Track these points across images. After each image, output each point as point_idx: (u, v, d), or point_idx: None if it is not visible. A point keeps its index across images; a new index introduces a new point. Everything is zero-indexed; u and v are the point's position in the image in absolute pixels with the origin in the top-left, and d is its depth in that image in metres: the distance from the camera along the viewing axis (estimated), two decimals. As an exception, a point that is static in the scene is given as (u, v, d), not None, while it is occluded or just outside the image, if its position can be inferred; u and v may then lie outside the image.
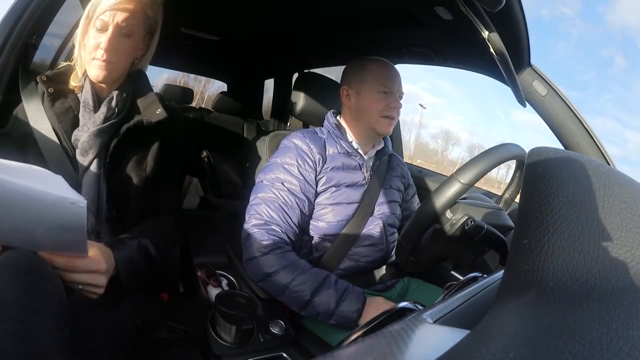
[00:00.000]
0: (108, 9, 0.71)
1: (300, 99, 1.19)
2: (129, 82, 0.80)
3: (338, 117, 1.07)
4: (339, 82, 1.11)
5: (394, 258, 1.04)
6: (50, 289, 0.50)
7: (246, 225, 0.91)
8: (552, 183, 0.29)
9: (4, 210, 0.47)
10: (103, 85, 0.77)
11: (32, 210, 0.48)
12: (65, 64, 0.80)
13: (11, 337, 0.43)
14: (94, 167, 0.74)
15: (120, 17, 0.72)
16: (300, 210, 0.92)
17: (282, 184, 0.93)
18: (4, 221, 0.48)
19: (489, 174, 0.74)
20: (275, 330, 0.85)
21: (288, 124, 2.38)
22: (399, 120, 1.67)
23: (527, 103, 0.97)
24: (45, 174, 0.55)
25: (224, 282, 1.01)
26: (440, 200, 0.69)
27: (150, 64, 0.87)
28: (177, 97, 2.69)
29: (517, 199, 0.87)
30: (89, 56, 0.73)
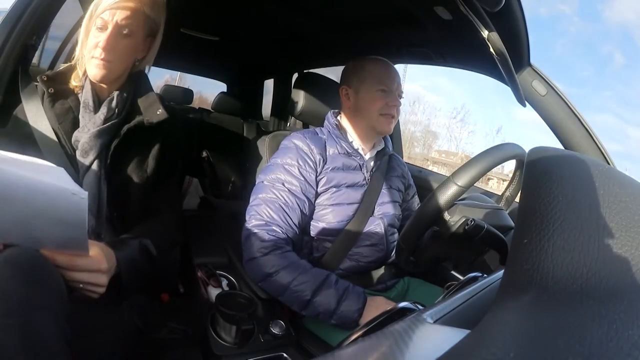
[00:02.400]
0: (108, 8, 0.71)
1: (300, 99, 1.19)
2: (130, 83, 0.80)
3: (338, 117, 1.07)
4: (339, 82, 1.11)
5: (394, 258, 1.04)
6: (52, 285, 0.50)
7: (246, 226, 0.91)
8: (552, 183, 0.29)
9: (6, 202, 0.47)
10: (103, 86, 0.77)
11: (34, 201, 0.48)
12: (66, 65, 0.80)
13: (12, 331, 0.43)
14: (94, 168, 0.74)
15: (120, 16, 0.72)
16: (301, 211, 0.92)
17: (283, 184, 0.93)
18: (5, 215, 0.48)
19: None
20: (275, 330, 0.85)
21: (288, 124, 2.38)
22: (399, 121, 1.68)
23: (526, 103, 0.97)
24: (47, 166, 0.55)
25: (224, 282, 1.01)
26: (437, 203, 0.68)
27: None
28: (177, 98, 2.69)
29: (517, 199, 0.87)
30: (89, 55, 0.73)
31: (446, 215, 0.71)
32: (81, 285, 0.57)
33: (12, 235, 0.51)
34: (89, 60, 0.73)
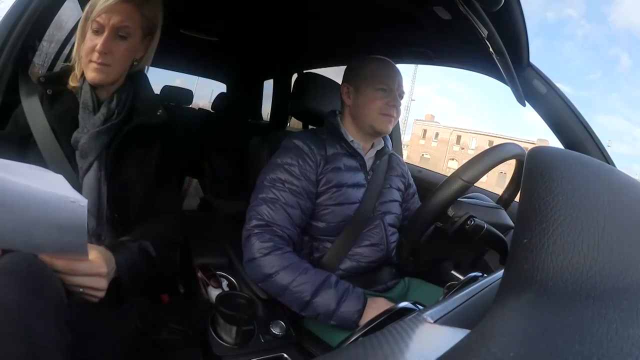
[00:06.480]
0: (103, 11, 0.70)
1: (299, 99, 1.19)
2: (129, 83, 0.80)
3: (338, 117, 1.07)
4: (338, 82, 1.11)
5: (394, 258, 1.03)
6: (51, 292, 0.50)
7: (247, 226, 0.91)
8: (552, 182, 0.29)
9: (4, 210, 0.47)
10: (102, 87, 0.76)
11: (33, 209, 0.48)
12: (64, 64, 0.80)
13: (12, 340, 0.43)
14: (94, 169, 0.74)
15: (116, 19, 0.71)
16: (301, 211, 0.92)
17: (283, 184, 0.93)
18: (4, 222, 0.48)
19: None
20: (275, 330, 0.85)
21: (288, 124, 2.38)
22: (398, 120, 1.68)
23: (526, 102, 0.97)
24: (46, 174, 0.55)
25: (224, 283, 1.01)
26: (443, 197, 0.69)
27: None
28: (176, 98, 2.69)
29: (517, 199, 0.87)
30: (86, 59, 0.72)
31: (450, 211, 0.72)
32: (81, 290, 0.57)
33: (11, 242, 0.51)
34: (87, 64, 0.72)
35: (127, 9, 0.72)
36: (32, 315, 0.45)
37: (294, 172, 0.94)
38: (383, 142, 1.08)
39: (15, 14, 0.74)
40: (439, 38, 1.07)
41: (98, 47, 0.70)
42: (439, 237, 0.75)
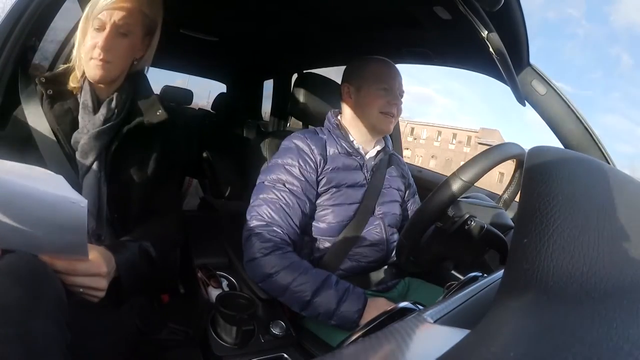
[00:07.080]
0: (105, 8, 0.71)
1: (299, 99, 1.19)
2: (129, 84, 0.80)
3: (339, 117, 1.07)
4: (338, 82, 1.11)
5: (394, 258, 1.03)
6: (51, 292, 0.50)
7: (247, 226, 0.91)
8: (552, 182, 0.29)
9: (5, 210, 0.47)
10: (102, 86, 0.76)
11: (33, 209, 0.48)
12: (65, 66, 0.80)
13: (13, 341, 0.43)
14: (94, 169, 0.74)
15: (117, 16, 0.71)
16: (302, 211, 0.92)
17: (284, 184, 0.93)
18: (4, 222, 0.48)
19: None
20: (275, 330, 0.85)
21: (288, 124, 2.38)
22: (398, 120, 1.68)
23: (526, 102, 0.97)
24: (46, 174, 0.55)
25: (224, 283, 1.00)
26: (442, 197, 0.69)
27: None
28: (176, 98, 2.69)
29: (517, 199, 0.87)
30: (87, 56, 0.73)
31: (450, 211, 0.72)
32: (81, 290, 0.57)
33: (11, 242, 0.51)
34: (88, 61, 0.73)
35: (128, 6, 0.72)
36: (32, 316, 0.45)
37: (294, 173, 0.94)
38: (384, 142, 1.08)
39: (15, 14, 0.74)
40: (439, 38, 1.07)
41: (100, 43, 0.71)
42: (439, 237, 0.75)
